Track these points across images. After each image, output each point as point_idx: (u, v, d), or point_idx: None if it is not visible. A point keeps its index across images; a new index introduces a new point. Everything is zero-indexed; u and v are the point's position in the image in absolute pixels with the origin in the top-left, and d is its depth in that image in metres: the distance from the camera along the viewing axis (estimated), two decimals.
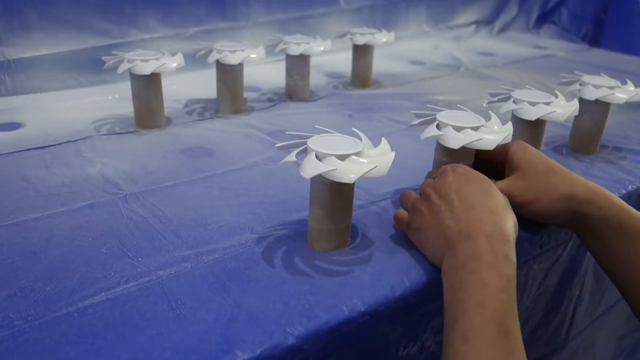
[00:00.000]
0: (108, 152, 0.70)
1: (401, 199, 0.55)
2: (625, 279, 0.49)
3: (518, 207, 0.50)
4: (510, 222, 0.46)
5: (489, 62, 1.27)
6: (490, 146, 0.53)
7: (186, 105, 0.89)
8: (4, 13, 0.84)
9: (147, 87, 0.76)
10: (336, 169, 0.44)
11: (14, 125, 0.77)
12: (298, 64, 0.92)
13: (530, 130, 0.66)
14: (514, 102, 0.66)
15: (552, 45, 1.51)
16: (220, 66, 0.82)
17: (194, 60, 0.88)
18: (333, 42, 0.97)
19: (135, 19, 0.97)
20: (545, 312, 0.67)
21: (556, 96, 0.67)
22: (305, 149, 0.48)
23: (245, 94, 0.89)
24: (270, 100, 0.93)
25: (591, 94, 0.71)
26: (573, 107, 0.65)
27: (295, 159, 0.47)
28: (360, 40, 0.97)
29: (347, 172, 0.45)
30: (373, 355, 0.46)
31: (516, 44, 1.49)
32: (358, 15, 1.28)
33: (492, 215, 0.45)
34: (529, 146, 0.55)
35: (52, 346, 0.38)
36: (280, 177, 0.65)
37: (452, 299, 0.42)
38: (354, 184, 0.47)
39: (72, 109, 0.85)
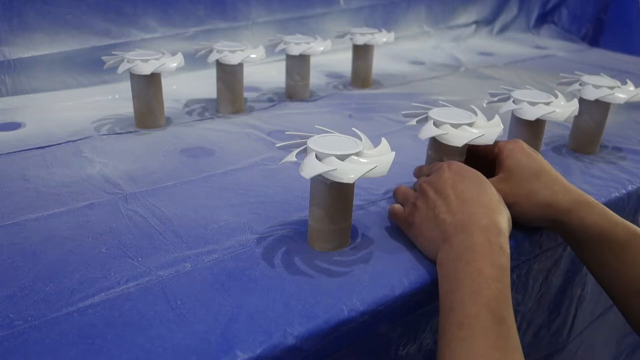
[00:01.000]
0: (108, 152, 0.70)
1: (396, 193, 0.56)
2: (613, 286, 0.48)
3: None
4: (504, 216, 0.48)
5: (489, 62, 1.27)
6: (491, 141, 0.55)
7: (186, 105, 0.89)
8: (4, 13, 0.84)
9: (147, 87, 0.76)
10: (336, 169, 0.44)
11: (14, 125, 0.77)
12: (298, 64, 0.92)
13: (530, 130, 0.66)
14: (513, 102, 0.66)
15: (552, 45, 1.51)
16: (220, 66, 0.82)
17: (194, 60, 0.88)
18: (333, 42, 0.97)
19: (135, 19, 0.97)
20: (547, 313, 0.67)
21: (556, 96, 0.67)
22: (305, 149, 0.48)
23: (245, 94, 0.89)
24: (270, 100, 0.93)
25: (591, 94, 0.71)
26: (573, 107, 0.65)
27: (295, 159, 0.47)
28: (360, 40, 0.97)
29: (347, 172, 0.45)
30: (373, 355, 0.46)
31: (516, 44, 1.49)
32: (358, 15, 1.28)
33: (486, 209, 0.47)
34: (523, 146, 0.55)
35: (52, 346, 0.38)
36: (280, 177, 0.65)
37: (448, 289, 0.43)
38: (354, 184, 0.47)
39: (72, 109, 0.85)
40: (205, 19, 1.05)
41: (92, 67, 0.93)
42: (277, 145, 0.50)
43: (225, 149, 0.72)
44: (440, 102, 0.63)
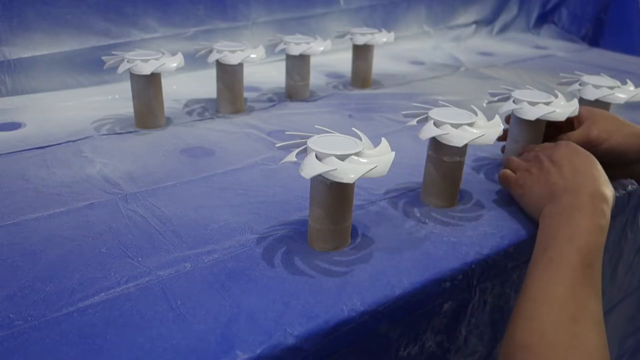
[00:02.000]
0: (108, 152, 0.70)
1: (508, 161, 0.62)
2: None
3: (593, 148, 0.59)
4: (610, 190, 0.52)
5: (489, 62, 1.27)
6: (491, 141, 0.56)
7: (186, 105, 0.89)
8: (4, 13, 0.84)
9: (147, 87, 0.76)
10: (336, 169, 0.44)
11: (14, 125, 0.77)
12: (298, 64, 0.92)
13: (530, 130, 0.66)
14: (513, 102, 0.66)
15: (552, 45, 1.51)
16: (220, 66, 0.82)
17: (194, 60, 0.88)
18: (333, 42, 0.97)
19: (135, 19, 0.97)
20: None
21: (556, 96, 0.67)
22: (305, 149, 0.48)
23: (245, 94, 0.89)
24: (270, 100, 0.93)
25: (591, 94, 0.71)
26: (573, 107, 0.65)
27: (295, 159, 0.47)
28: (360, 40, 0.97)
29: (347, 172, 0.45)
30: (373, 355, 0.46)
31: (516, 44, 1.49)
32: (358, 15, 1.28)
33: (595, 180, 0.52)
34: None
35: (52, 346, 0.38)
36: (280, 177, 0.65)
37: (544, 236, 0.49)
38: (354, 184, 0.47)
39: (72, 109, 0.85)
40: (205, 19, 1.05)
41: (92, 67, 0.93)
42: (277, 145, 0.50)
43: (225, 149, 0.72)
44: (440, 102, 0.63)
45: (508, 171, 0.61)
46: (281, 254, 0.49)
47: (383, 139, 0.51)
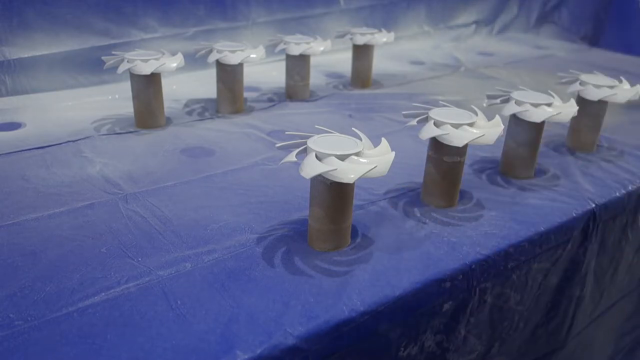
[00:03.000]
0: (108, 152, 0.70)
1: None
2: None
3: None
4: None
5: (489, 62, 1.27)
6: (491, 141, 0.54)
7: (186, 105, 0.89)
8: (4, 13, 0.84)
9: (147, 87, 0.76)
10: (336, 169, 0.44)
11: (14, 125, 0.77)
12: (298, 64, 0.92)
13: (530, 130, 0.66)
14: (515, 103, 0.66)
15: (552, 45, 1.51)
16: (220, 66, 0.82)
17: (194, 60, 0.88)
18: (333, 42, 0.97)
19: (135, 19, 0.97)
20: (545, 312, 0.67)
21: (552, 96, 0.67)
22: (305, 149, 0.48)
23: (245, 94, 0.89)
24: (270, 100, 0.93)
25: (590, 94, 0.71)
26: (574, 107, 0.65)
27: (295, 159, 0.47)
28: (360, 40, 0.97)
29: (347, 172, 0.44)
30: (373, 355, 0.46)
31: (516, 44, 1.49)
32: (358, 15, 1.28)
33: None
34: None
35: (52, 346, 0.38)
36: (280, 177, 0.65)
37: None
38: (354, 184, 0.47)
39: (72, 109, 0.85)
40: (205, 19, 1.05)
41: (92, 67, 0.93)
42: (277, 145, 0.50)
43: (225, 149, 0.72)
44: (440, 102, 0.63)
45: None
46: (281, 253, 0.49)
47: (383, 139, 0.51)
